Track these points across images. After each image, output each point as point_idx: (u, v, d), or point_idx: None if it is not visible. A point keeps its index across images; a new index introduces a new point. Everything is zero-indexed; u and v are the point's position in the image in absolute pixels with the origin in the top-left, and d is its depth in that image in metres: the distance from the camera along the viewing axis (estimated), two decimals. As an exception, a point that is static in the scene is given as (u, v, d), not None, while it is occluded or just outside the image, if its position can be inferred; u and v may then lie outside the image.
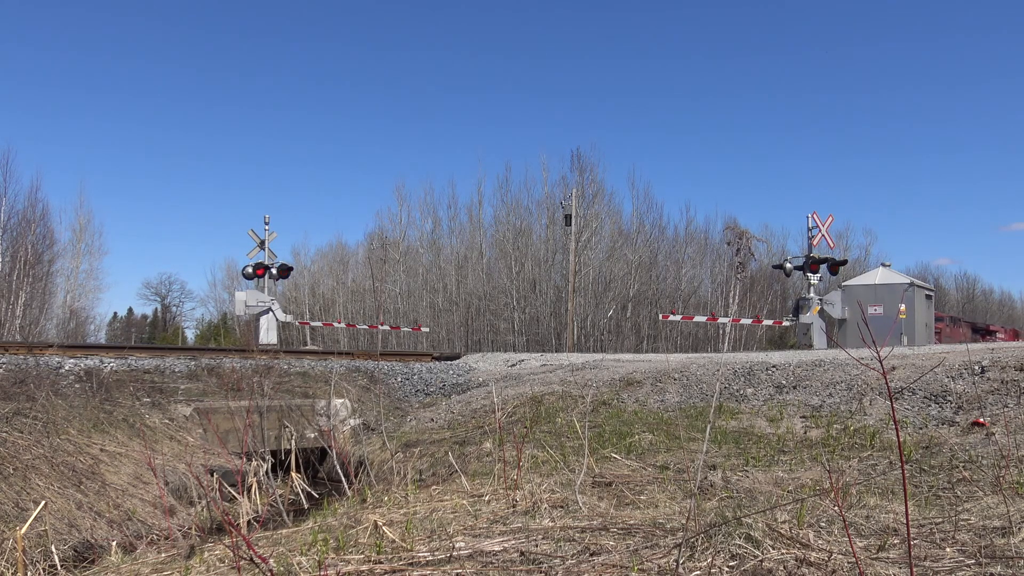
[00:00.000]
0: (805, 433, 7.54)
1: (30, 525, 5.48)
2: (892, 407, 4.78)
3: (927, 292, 23.56)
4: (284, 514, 6.78)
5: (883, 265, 23.71)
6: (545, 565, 3.53)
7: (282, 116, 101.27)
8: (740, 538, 3.62)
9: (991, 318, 70.97)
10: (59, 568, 5.34)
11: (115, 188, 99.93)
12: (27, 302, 34.81)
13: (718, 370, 10.56)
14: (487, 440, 8.16)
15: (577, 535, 4.00)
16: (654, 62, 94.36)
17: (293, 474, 9.14)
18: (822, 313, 19.86)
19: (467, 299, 43.99)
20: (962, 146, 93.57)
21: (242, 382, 10.79)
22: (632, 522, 4.26)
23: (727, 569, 3.37)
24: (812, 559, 3.41)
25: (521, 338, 40.23)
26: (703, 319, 24.59)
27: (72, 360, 10.53)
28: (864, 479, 5.52)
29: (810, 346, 19.52)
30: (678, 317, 22.78)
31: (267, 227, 21.64)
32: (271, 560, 3.71)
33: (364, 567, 3.64)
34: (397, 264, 47.50)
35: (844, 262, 21.77)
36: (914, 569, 3.25)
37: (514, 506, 4.85)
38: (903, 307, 20.60)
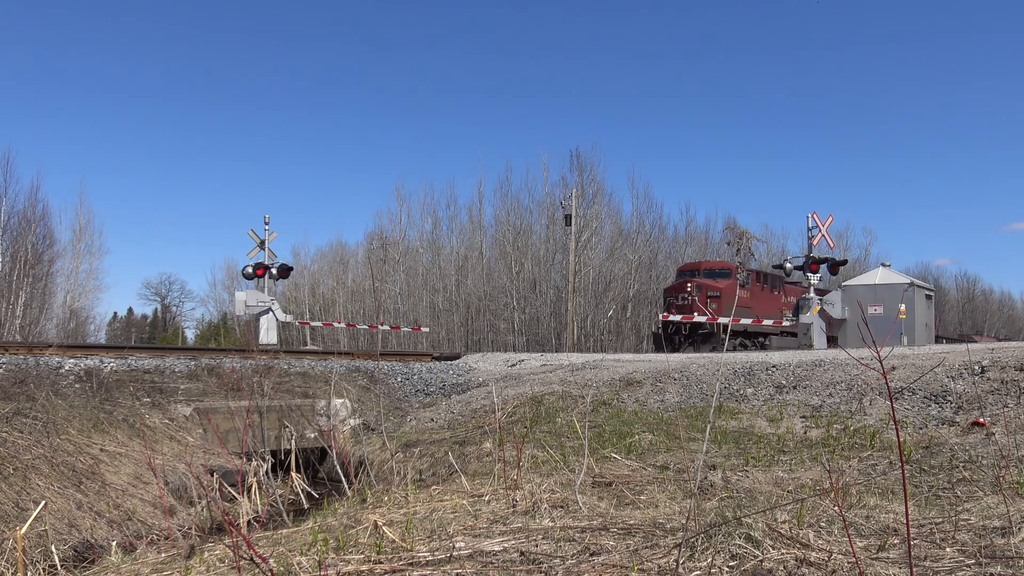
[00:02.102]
0: (805, 433, 7.54)
1: (30, 525, 5.48)
2: (892, 407, 4.78)
3: (927, 292, 23.56)
4: (284, 514, 6.78)
5: (883, 265, 23.71)
6: (545, 565, 3.53)
7: (282, 116, 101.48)
8: (740, 538, 3.62)
9: (991, 318, 70.82)
10: (59, 568, 5.34)
11: (115, 188, 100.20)
12: (27, 302, 34.80)
13: (718, 370, 10.57)
14: (487, 440, 8.16)
15: (577, 535, 4.00)
16: (654, 62, 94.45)
17: (293, 474, 9.14)
18: (822, 313, 19.84)
19: (467, 299, 44.00)
20: (962, 146, 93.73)
21: (242, 382, 10.79)
22: (632, 522, 4.26)
23: (727, 569, 3.37)
24: (812, 559, 3.41)
25: (521, 338, 40.24)
26: (703, 319, 24.56)
27: (72, 360, 10.53)
28: (864, 479, 5.52)
29: (810, 346, 19.52)
30: (678, 317, 22.77)
31: (267, 227, 21.63)
32: (271, 560, 3.71)
33: (364, 567, 3.63)
34: (397, 264, 47.52)
35: (844, 262, 21.75)
36: (914, 569, 3.25)
37: (514, 506, 4.85)
38: (903, 307, 20.60)
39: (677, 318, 24.03)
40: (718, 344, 23.20)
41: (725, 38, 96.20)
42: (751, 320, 24.11)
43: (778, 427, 7.86)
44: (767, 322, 24.09)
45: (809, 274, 20.05)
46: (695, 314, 23.89)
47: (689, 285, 24.71)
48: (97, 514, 6.53)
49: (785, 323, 25.12)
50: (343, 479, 7.31)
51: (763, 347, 25.03)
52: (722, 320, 23.19)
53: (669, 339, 24.59)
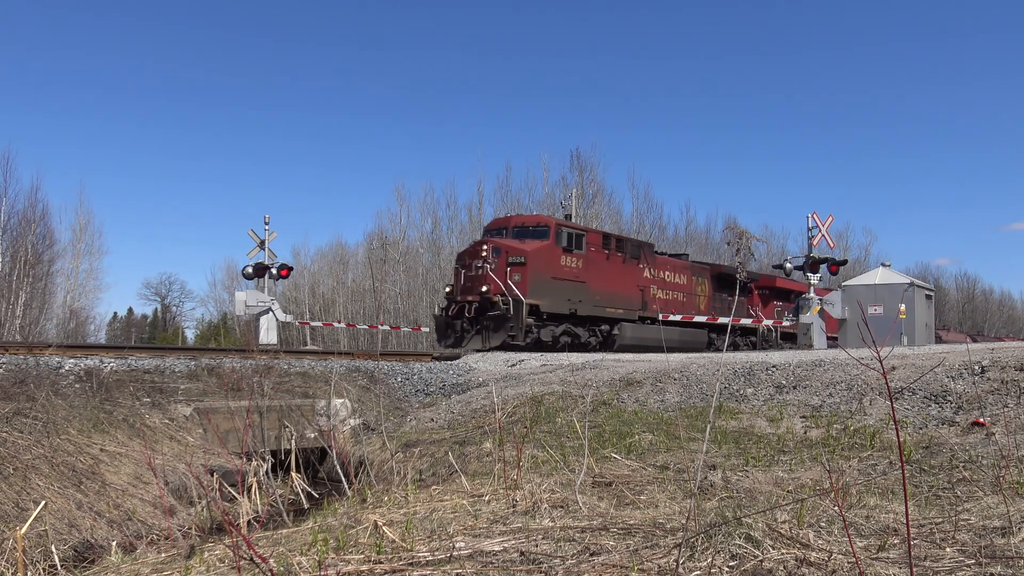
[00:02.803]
0: (805, 433, 7.54)
1: (30, 525, 5.48)
2: (892, 407, 4.78)
3: (927, 292, 23.55)
4: (284, 514, 6.78)
5: (883, 265, 23.68)
6: (545, 565, 3.53)
7: (282, 116, 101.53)
8: (740, 538, 3.62)
9: (991, 318, 70.75)
10: (59, 568, 5.34)
11: (115, 188, 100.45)
12: (27, 302, 34.80)
13: (718, 370, 10.56)
14: (487, 440, 8.15)
15: (577, 535, 4.00)
16: (654, 62, 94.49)
17: (293, 474, 9.14)
18: (822, 313, 19.85)
19: (467, 299, 43.91)
20: (962, 146, 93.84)
21: (242, 382, 10.78)
22: (632, 522, 4.26)
23: (727, 569, 3.37)
24: (812, 559, 3.41)
25: (521, 338, 40.18)
26: (703, 319, 24.56)
27: (72, 360, 10.52)
28: (864, 479, 5.52)
29: (810, 346, 19.52)
30: (678, 317, 22.70)
31: (267, 227, 21.63)
32: (271, 560, 3.71)
33: (364, 567, 3.63)
34: (397, 264, 47.52)
35: (844, 262, 21.76)
36: (914, 569, 3.25)
37: (514, 506, 4.85)
38: (903, 307, 20.60)
39: (473, 297, 17.42)
40: (518, 333, 16.75)
41: (725, 38, 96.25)
42: (580, 299, 18.11)
43: (778, 427, 7.86)
44: (614, 309, 18.49)
45: (809, 274, 20.08)
46: (485, 287, 17.02)
47: (485, 248, 17.58)
48: (97, 514, 6.53)
49: (641, 312, 19.70)
50: (343, 479, 7.31)
51: (608, 338, 19.01)
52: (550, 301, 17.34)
53: (450, 324, 18.21)
